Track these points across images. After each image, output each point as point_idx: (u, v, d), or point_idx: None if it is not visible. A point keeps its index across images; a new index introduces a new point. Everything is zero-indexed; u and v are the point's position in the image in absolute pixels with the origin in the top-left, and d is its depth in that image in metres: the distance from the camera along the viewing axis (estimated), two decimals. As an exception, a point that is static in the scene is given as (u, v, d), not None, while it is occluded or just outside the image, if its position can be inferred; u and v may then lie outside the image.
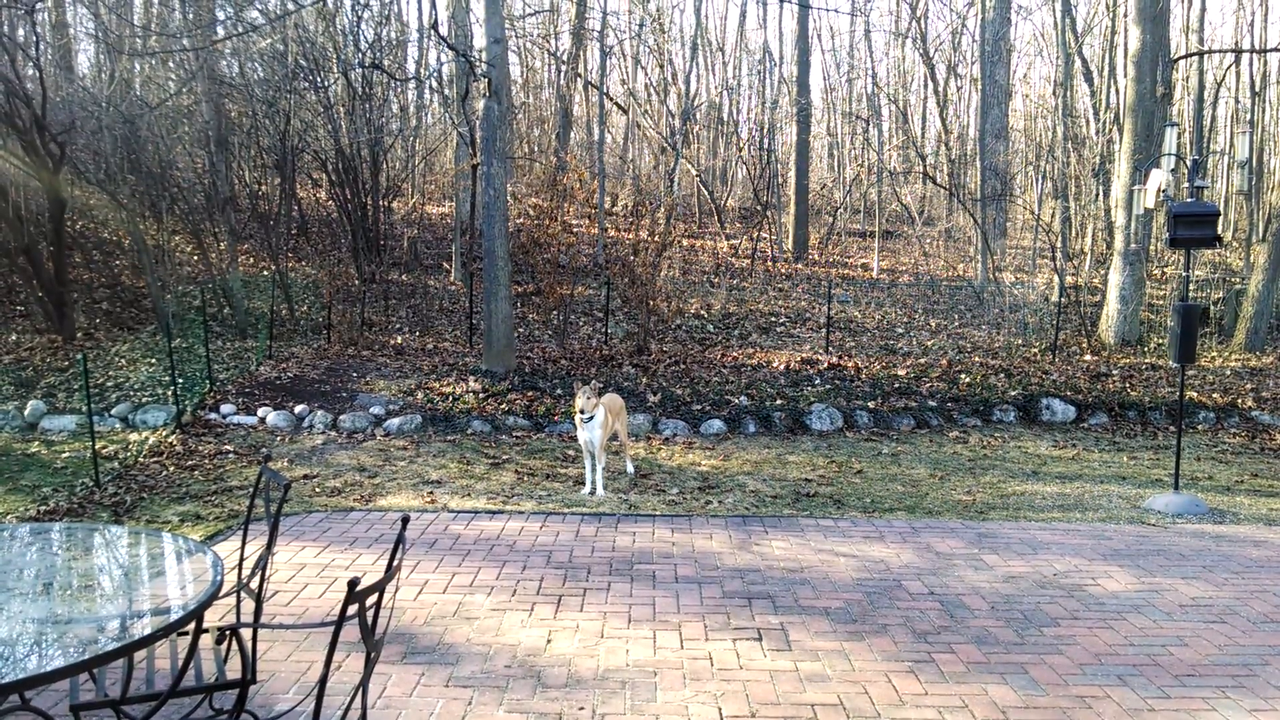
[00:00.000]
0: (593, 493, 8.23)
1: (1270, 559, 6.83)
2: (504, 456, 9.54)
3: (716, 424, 10.98)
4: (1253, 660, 4.99)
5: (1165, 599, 5.91)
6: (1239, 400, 12.43)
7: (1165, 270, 21.48)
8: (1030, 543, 7.06)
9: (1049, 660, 4.94)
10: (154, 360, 12.22)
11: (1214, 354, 15.56)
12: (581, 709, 4.31)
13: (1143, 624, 5.48)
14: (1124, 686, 4.64)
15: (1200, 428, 11.79)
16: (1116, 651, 5.07)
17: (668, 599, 5.75)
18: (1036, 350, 15.17)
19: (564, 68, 25.57)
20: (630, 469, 8.99)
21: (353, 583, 2.68)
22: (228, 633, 3.72)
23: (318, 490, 8.21)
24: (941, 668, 4.83)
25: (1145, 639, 5.26)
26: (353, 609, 2.74)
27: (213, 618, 4.99)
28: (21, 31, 17.12)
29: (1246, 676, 4.79)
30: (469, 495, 8.15)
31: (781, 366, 13.18)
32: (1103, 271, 18.96)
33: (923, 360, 13.99)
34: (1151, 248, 19.09)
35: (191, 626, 3.47)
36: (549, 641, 5.09)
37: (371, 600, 2.86)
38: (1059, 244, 21.91)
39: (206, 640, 4.24)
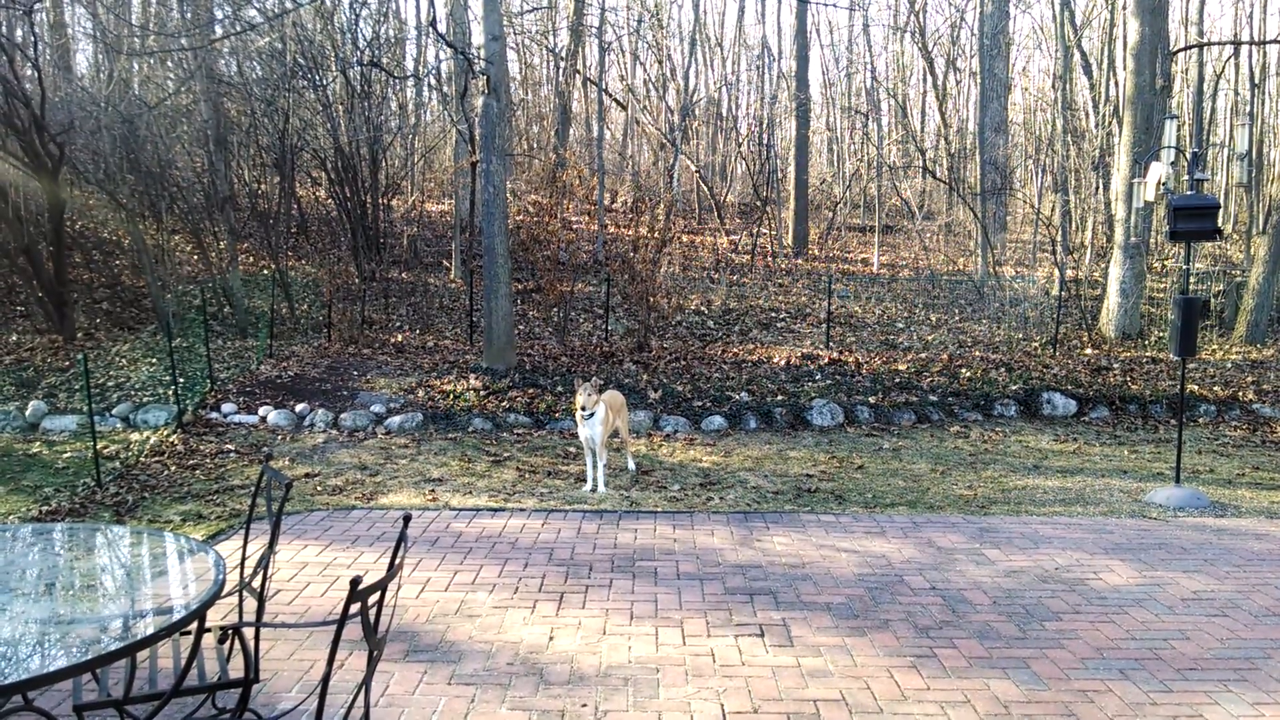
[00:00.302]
0: (594, 490, 8.23)
1: (1272, 552, 6.83)
2: (505, 454, 9.55)
3: (717, 420, 10.98)
4: (1255, 654, 5.00)
5: (1167, 593, 5.91)
6: (1240, 393, 12.42)
7: (1165, 263, 21.47)
8: (1032, 537, 7.06)
9: (1051, 654, 4.94)
10: (154, 360, 12.22)
11: (1215, 347, 15.56)
12: (584, 706, 4.32)
13: (1144, 618, 5.49)
14: (1126, 680, 4.64)
15: (1201, 421, 11.79)
16: (1118, 645, 5.08)
17: (670, 595, 5.75)
18: (1037, 344, 15.17)
19: (562, 64, 25.55)
20: (631, 466, 8.99)
21: (355, 581, 2.68)
22: (230, 632, 3.72)
23: (319, 489, 8.21)
24: (944, 663, 4.84)
25: (1147, 633, 5.26)
26: (355, 607, 2.74)
27: (215, 617, 5.00)
28: (20, 32, 17.12)
29: (1249, 670, 4.79)
30: (470, 493, 8.15)
31: (782, 362, 13.18)
32: (1103, 265, 18.95)
33: (923, 355, 13.99)
34: (1152, 241, 19.08)
35: (194, 626, 3.48)
36: (551, 639, 5.09)
37: (373, 599, 2.86)
38: (1059, 238, 21.89)
39: (209, 640, 4.25)
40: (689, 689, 4.50)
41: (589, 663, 4.79)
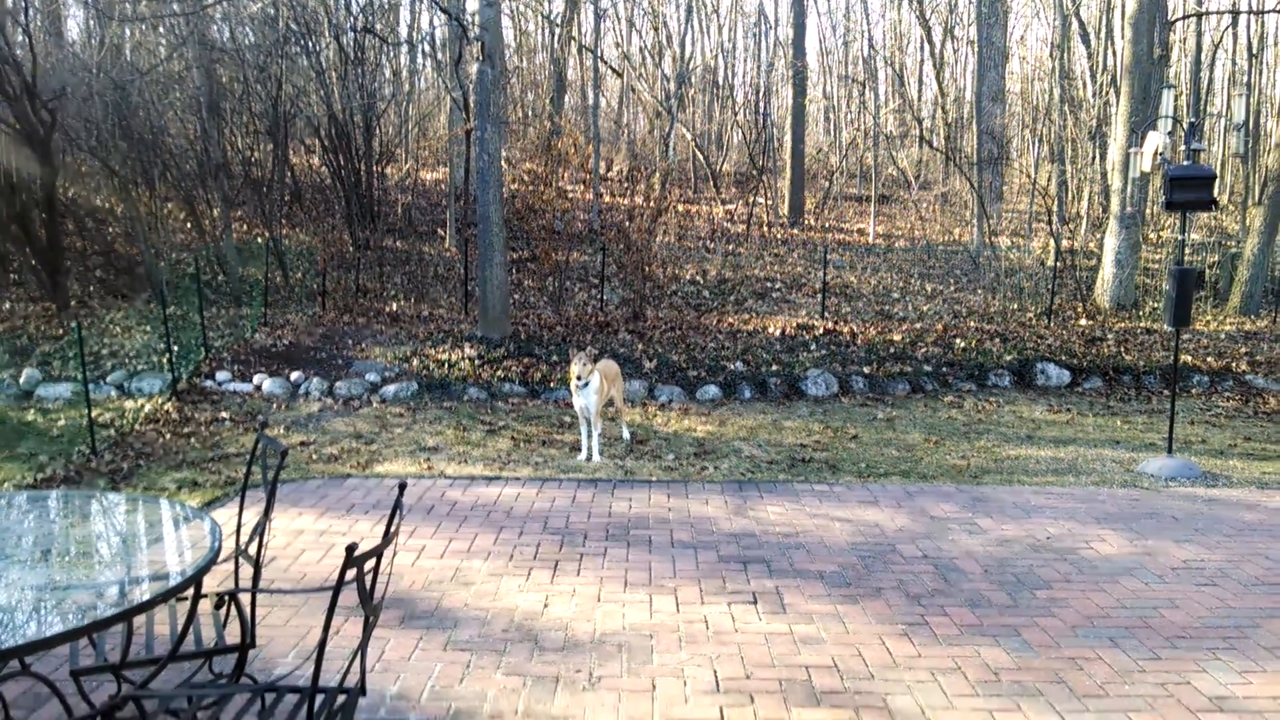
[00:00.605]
0: (589, 459, 8.25)
1: (1263, 522, 6.88)
2: (500, 423, 9.56)
3: (712, 390, 10.99)
4: (1244, 622, 5.04)
5: (1157, 562, 5.96)
6: (1233, 364, 12.46)
7: (1161, 234, 21.46)
8: (1024, 506, 7.10)
9: (1041, 622, 4.99)
10: (149, 328, 12.19)
11: (1209, 318, 15.58)
12: (578, 671, 4.35)
13: (1135, 587, 5.53)
14: (1115, 648, 4.69)
15: (1194, 392, 11.82)
16: (1108, 614, 5.12)
17: (664, 564, 5.78)
18: (1032, 315, 15.19)
19: (558, 31, 25.33)
20: (626, 435, 9.01)
21: (350, 548, 2.69)
22: (226, 598, 3.75)
23: (314, 457, 8.22)
24: (935, 630, 4.88)
25: (1137, 601, 5.30)
26: (351, 574, 2.75)
27: (211, 584, 5.01)
28: (9, -4, 16.90)
29: (1238, 638, 4.84)
30: (466, 461, 8.17)
31: (777, 332, 13.18)
32: (1098, 235, 18.94)
33: (918, 325, 14.00)
34: (1148, 211, 19.05)
35: (190, 592, 3.49)
36: (546, 606, 5.12)
37: (370, 565, 2.87)
38: (1055, 208, 21.88)
39: (205, 606, 4.26)
40: (683, 655, 4.54)
41: (583, 629, 4.82)
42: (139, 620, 3.66)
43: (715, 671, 4.38)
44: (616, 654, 4.54)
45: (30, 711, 3.87)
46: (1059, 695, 4.19)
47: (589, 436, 8.33)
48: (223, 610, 3.79)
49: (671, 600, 5.21)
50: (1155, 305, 15.84)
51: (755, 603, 5.19)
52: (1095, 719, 3.98)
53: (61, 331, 12.03)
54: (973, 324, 14.23)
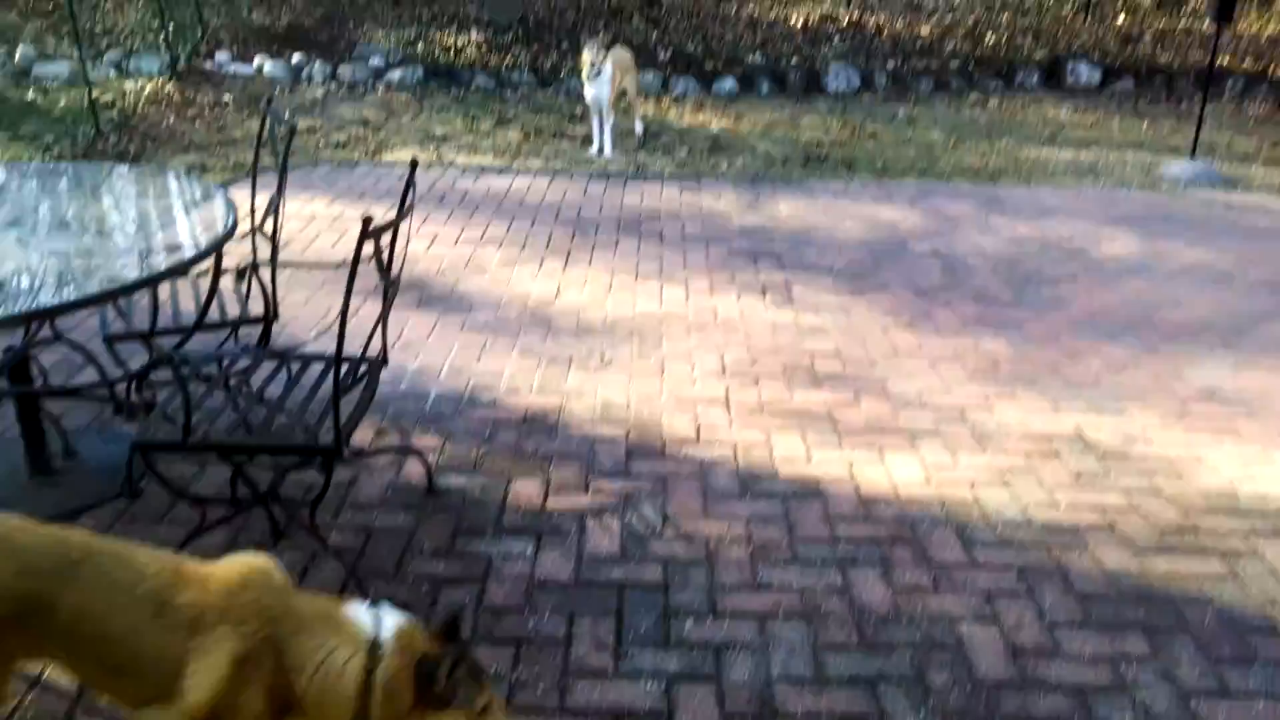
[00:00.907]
0: (600, 152, 8.11)
1: (1276, 228, 6.85)
2: (510, 113, 9.32)
3: (729, 83, 10.61)
4: (1243, 322, 5.13)
5: (1166, 263, 5.99)
6: (1271, 68, 11.92)
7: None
8: (1039, 207, 7.05)
9: (1044, 317, 5.09)
10: (141, 3, 11.59)
11: (1253, 19, 14.73)
12: (591, 354, 4.50)
13: (1139, 286, 5.59)
14: (1114, 343, 4.81)
15: (1226, 96, 11.39)
16: (1111, 311, 5.21)
17: (675, 256, 5.84)
18: (1069, 10, 14.37)
19: None
20: (639, 129, 8.78)
21: (366, 220, 2.69)
22: (248, 270, 3.82)
23: (322, 144, 8.10)
24: (938, 323, 4.99)
25: (1140, 300, 5.38)
26: (368, 247, 2.77)
27: (230, 263, 5.08)
28: None
29: (1234, 336, 4.95)
30: (475, 152, 8.05)
31: (799, 23, 12.55)
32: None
33: (948, 19, 13.29)
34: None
35: (211, 265, 3.55)
36: (559, 293, 5.22)
37: (386, 238, 2.88)
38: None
39: (227, 283, 4.35)
40: (691, 341, 4.68)
41: (595, 316, 4.94)
42: (164, 295, 3.74)
43: (722, 356, 4.52)
44: (628, 339, 4.68)
45: (67, 377, 4.05)
46: (1054, 384, 4.35)
47: (601, 129, 8.14)
48: (244, 284, 3.87)
49: (682, 291, 5.30)
50: (1199, 3, 14.91)
51: (764, 294, 5.29)
52: (1086, 405, 4.16)
53: (51, 7, 11.49)
54: (1006, 18, 13.50)
